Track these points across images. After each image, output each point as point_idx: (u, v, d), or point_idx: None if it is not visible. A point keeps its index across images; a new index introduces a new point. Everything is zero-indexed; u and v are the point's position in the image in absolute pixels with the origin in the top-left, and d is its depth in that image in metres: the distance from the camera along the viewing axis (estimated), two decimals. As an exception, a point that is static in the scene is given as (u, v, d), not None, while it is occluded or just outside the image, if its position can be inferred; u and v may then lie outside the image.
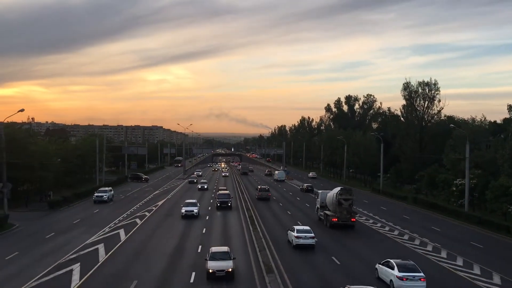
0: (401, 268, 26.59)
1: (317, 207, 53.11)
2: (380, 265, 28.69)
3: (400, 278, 25.95)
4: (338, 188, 47.79)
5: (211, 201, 66.55)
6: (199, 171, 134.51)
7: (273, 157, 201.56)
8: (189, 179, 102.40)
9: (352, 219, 46.41)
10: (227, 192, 66.20)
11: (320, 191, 53.94)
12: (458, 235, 45.86)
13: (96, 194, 66.04)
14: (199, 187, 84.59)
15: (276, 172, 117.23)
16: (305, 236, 36.71)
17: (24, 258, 32.42)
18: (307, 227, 39.19)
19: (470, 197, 58.04)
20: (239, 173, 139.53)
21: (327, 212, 48.46)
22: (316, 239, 37.27)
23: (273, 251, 35.34)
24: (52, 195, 63.94)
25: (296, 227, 38.69)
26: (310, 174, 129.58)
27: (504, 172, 54.55)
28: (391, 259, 28.19)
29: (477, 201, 61.86)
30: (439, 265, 32.58)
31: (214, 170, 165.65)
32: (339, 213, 45.94)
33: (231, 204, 59.03)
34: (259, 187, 76.33)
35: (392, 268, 26.93)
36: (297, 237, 36.69)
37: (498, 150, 59.69)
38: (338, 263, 32.50)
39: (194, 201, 55.54)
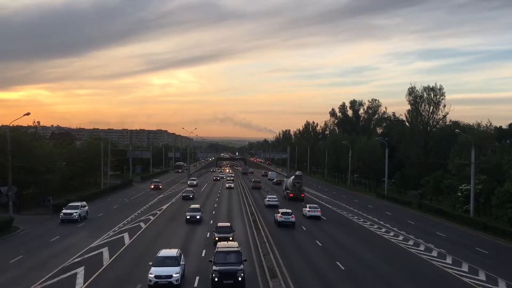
0: (310, 206, 56.66)
1: (283, 188, 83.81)
2: (303, 208, 57.29)
3: (308, 211, 55.74)
4: (293, 176, 77.56)
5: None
6: (194, 180, 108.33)
7: (278, 162, 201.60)
8: (184, 193, 76.29)
9: (302, 195, 75.57)
10: (234, 246, 29.62)
11: (285, 179, 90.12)
12: (463, 241, 45.63)
13: (64, 211, 50.09)
14: (188, 217, 49.69)
15: (269, 172, 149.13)
16: (273, 199, 66.60)
17: (29, 261, 32.46)
18: (274, 195, 70.91)
19: (475, 203, 57.73)
20: (241, 174, 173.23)
21: (287, 190, 78.43)
22: (279, 202, 67.10)
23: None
24: (52, 199, 62.45)
25: (268, 196, 70.68)
26: (297, 172, 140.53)
27: (510, 178, 54.17)
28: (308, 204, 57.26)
29: (483, 207, 61.53)
30: (444, 271, 32.38)
31: (216, 179, 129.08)
32: (294, 191, 75.31)
33: (243, 276, 26.43)
34: (253, 179, 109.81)
35: (306, 207, 56.84)
36: (268, 200, 66.86)
37: (504, 155, 59.39)
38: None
39: (173, 253, 28.35)
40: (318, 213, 55.31)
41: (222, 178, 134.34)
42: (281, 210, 50.29)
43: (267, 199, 67.40)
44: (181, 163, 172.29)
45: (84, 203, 54.48)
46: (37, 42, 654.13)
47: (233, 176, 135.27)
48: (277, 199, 67.64)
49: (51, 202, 61.19)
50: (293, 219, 48.22)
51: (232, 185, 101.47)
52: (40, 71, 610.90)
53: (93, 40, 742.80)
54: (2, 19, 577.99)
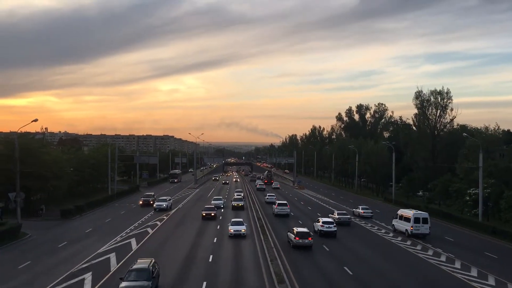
0: (274, 183, 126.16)
1: (263, 178, 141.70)
2: (271, 185, 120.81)
3: (273, 184, 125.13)
4: (266, 171, 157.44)
5: None
6: (163, 202, 67.31)
7: (284, 166, 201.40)
8: (126, 274, 25.92)
9: (272, 181, 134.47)
10: None
11: (263, 173, 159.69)
12: (472, 245, 45.26)
13: None
14: None
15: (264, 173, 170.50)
16: (260, 183, 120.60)
17: (37, 267, 32.60)
18: (261, 181, 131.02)
19: (484, 207, 57.31)
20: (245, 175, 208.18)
21: (264, 178, 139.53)
22: (263, 182, 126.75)
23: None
24: (45, 208, 60.44)
25: (257, 180, 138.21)
26: (286, 171, 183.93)
27: (519, 181, 53.87)
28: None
29: (491, 211, 61.06)
30: (453, 276, 32.12)
31: (207, 215, 57.07)
32: (267, 179, 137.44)
33: None
34: (250, 175, 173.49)
35: (272, 184, 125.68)
36: (255, 184, 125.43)
37: (512, 159, 59.00)
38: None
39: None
40: (278, 186, 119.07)
41: (220, 207, 68.10)
42: (257, 181, 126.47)
43: (256, 182, 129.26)
44: (176, 171, 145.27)
45: None
46: (44, 49, 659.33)
47: (243, 199, 76.59)
48: (262, 182, 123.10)
49: (44, 211, 59.83)
50: (264, 186, 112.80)
51: (243, 230, 45.22)
52: (48, 77, 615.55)
53: (101, 46, 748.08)
54: (11, 27, 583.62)
